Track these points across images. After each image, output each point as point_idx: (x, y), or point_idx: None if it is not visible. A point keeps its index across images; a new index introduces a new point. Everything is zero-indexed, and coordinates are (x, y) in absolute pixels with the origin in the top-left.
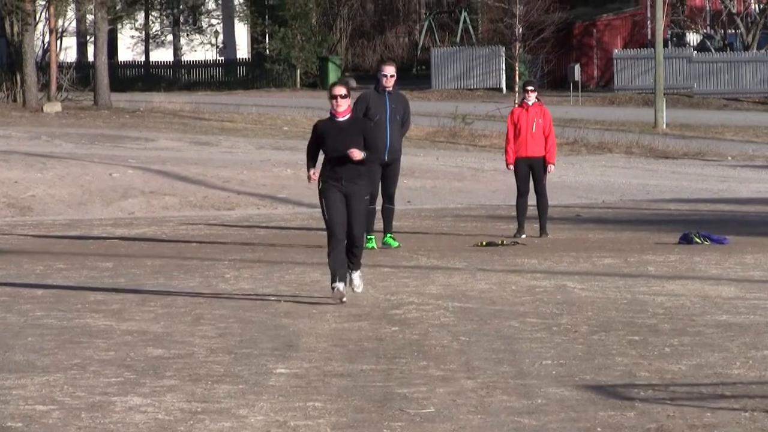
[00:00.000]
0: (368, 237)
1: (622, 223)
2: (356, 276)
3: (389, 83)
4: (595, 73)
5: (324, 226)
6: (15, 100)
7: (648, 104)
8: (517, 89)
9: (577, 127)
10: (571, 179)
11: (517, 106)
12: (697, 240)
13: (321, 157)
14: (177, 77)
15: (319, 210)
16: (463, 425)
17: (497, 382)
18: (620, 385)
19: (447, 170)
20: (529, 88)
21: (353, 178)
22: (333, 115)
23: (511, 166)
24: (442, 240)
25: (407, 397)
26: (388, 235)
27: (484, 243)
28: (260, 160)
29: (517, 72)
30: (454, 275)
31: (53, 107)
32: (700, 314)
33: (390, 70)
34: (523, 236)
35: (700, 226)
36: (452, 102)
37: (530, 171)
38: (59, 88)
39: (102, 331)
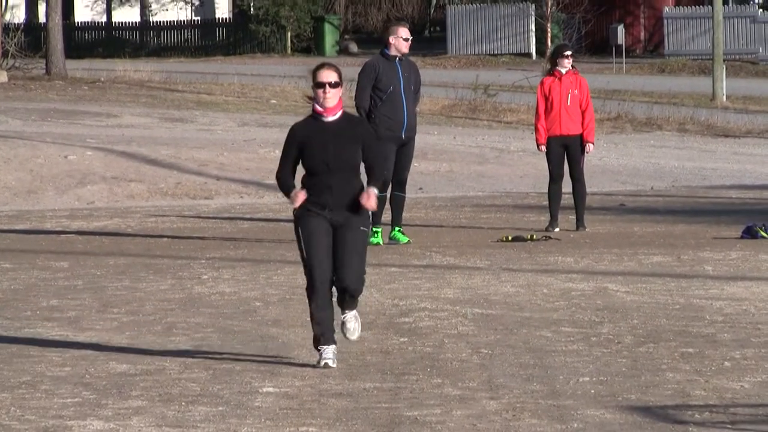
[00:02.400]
0: (374, 230)
1: (674, 214)
2: (350, 317)
3: (407, 48)
4: (642, 35)
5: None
6: None
7: (704, 72)
8: (548, 55)
9: (621, 100)
10: (613, 162)
11: (548, 75)
12: (763, 234)
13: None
14: (145, 41)
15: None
16: None
17: (525, 403)
18: (671, 407)
19: (466, 151)
20: (566, 53)
21: (344, 205)
22: (317, 113)
23: (543, 147)
24: (460, 234)
25: (418, 420)
26: (397, 228)
27: (509, 238)
28: (243, 140)
29: (549, 34)
30: (474, 276)
31: None
32: (766, 322)
33: (406, 32)
34: (557, 230)
35: (766, 218)
36: (472, 70)
37: (565, 152)
38: (4, 54)
39: (56, 343)
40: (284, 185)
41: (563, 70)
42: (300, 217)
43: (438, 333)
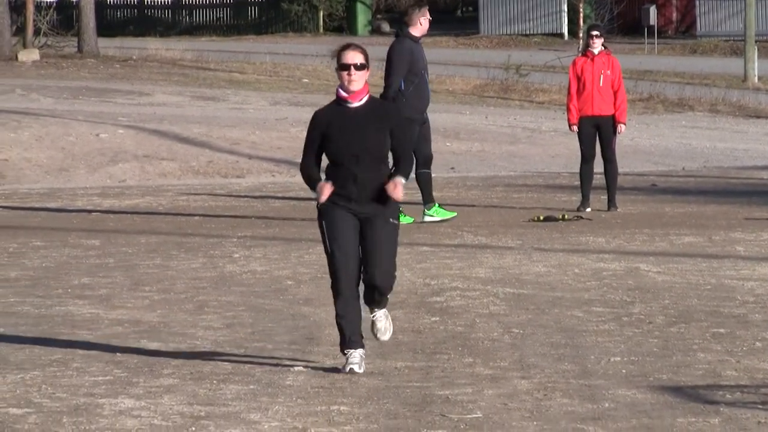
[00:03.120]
0: (434, 207)
1: (706, 194)
2: (381, 316)
3: (427, 30)
4: (674, 16)
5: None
6: None
7: (736, 53)
8: (581, 35)
9: (653, 81)
10: (645, 142)
11: (580, 55)
12: None
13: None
14: (177, 20)
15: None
16: None
17: (556, 383)
18: (702, 387)
19: (497, 131)
20: (595, 33)
21: (372, 195)
22: (341, 98)
23: (575, 127)
24: (492, 214)
25: (450, 399)
26: (437, 205)
27: (541, 218)
28: (275, 119)
29: (581, 14)
30: (505, 256)
31: (29, 55)
32: None
33: (421, 17)
34: (588, 210)
35: None
36: (504, 50)
37: (597, 132)
38: (37, 32)
39: (87, 321)
40: (309, 178)
41: (595, 51)
42: (324, 210)
43: (469, 312)
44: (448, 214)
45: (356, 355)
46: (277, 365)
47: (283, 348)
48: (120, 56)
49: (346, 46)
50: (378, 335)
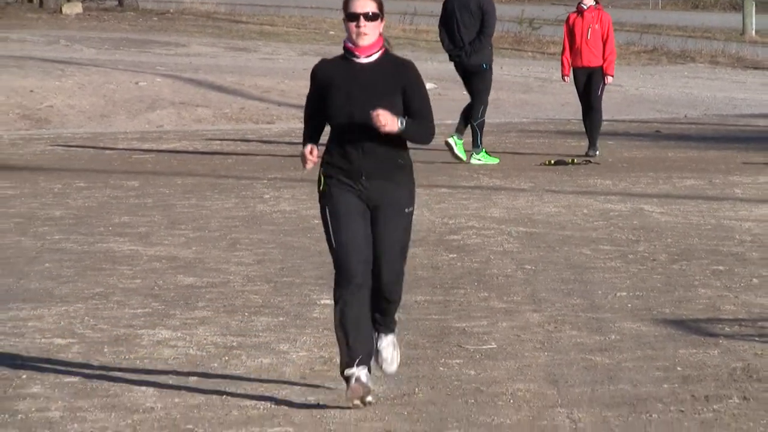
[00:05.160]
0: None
1: (707, 140)
2: (388, 343)
3: None
4: None
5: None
6: (30, 1)
7: (735, 8)
8: None
9: (657, 34)
10: (649, 92)
11: (573, 11)
12: None
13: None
14: None
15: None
16: (528, 363)
17: (566, 316)
18: (703, 320)
19: (511, 80)
20: None
21: (383, 172)
22: (349, 50)
23: (567, 78)
24: (506, 158)
25: (466, 331)
26: (484, 150)
27: (552, 161)
28: (303, 68)
29: None
30: (518, 197)
31: (73, 8)
32: None
33: None
34: (597, 152)
35: None
36: (518, 4)
37: (588, 81)
38: None
39: (127, 257)
40: (304, 134)
41: (585, 6)
42: (326, 193)
43: (485, 250)
44: (492, 160)
45: (361, 375)
46: (305, 299)
47: (311, 283)
48: (158, 9)
49: None
50: (383, 366)
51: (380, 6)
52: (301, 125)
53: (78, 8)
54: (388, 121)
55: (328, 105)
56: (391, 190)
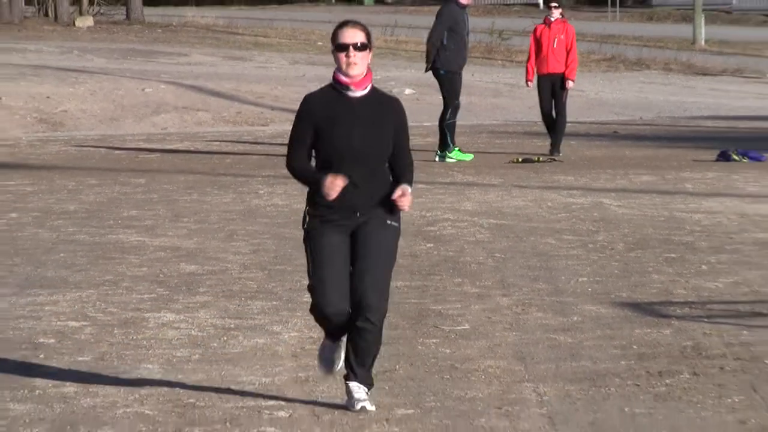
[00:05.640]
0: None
1: (660, 140)
2: (359, 391)
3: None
4: None
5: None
6: (47, 15)
7: (686, 20)
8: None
9: (615, 44)
10: (608, 96)
11: (541, 22)
12: (735, 157)
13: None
14: None
15: None
16: (498, 342)
17: (532, 300)
18: (656, 303)
19: (483, 86)
20: (553, 4)
21: (371, 199)
22: (340, 83)
23: (530, 83)
24: (478, 156)
25: (442, 313)
26: (457, 149)
27: (519, 159)
28: (294, 76)
29: None
30: (489, 192)
31: (85, 21)
32: (737, 232)
33: None
34: (560, 154)
35: (738, 144)
36: (489, 17)
37: (551, 88)
38: (91, 2)
39: (134, 248)
40: (303, 172)
41: (552, 18)
42: (311, 231)
43: (459, 240)
44: (466, 157)
45: (339, 349)
46: (296, 285)
47: (301, 270)
48: (162, 23)
49: (344, 24)
50: (360, 405)
51: (368, 36)
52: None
53: (89, 21)
54: (408, 203)
55: (323, 140)
56: (376, 218)
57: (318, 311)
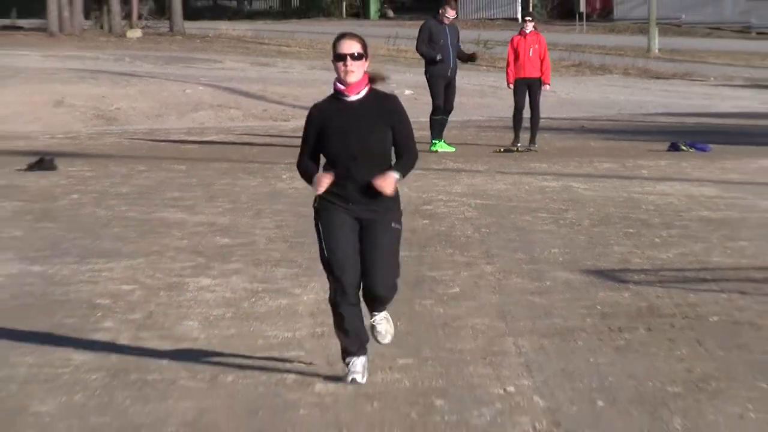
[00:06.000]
0: (434, 142)
1: (620, 133)
2: (381, 319)
3: (450, 15)
4: (597, 5)
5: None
6: (102, 28)
7: (643, 32)
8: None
9: (582, 52)
10: (576, 96)
11: (517, 34)
12: (684, 148)
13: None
14: (240, 8)
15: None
16: (483, 303)
17: (512, 267)
18: (617, 270)
19: (471, 88)
20: (527, 19)
21: (373, 198)
22: (339, 92)
23: (511, 85)
24: (467, 147)
25: (436, 279)
26: (442, 140)
27: (502, 150)
28: (312, 79)
29: (530, 3)
30: (476, 177)
31: (135, 33)
32: (685, 210)
33: (453, 13)
34: (519, 144)
35: (686, 136)
36: (476, 30)
37: (527, 89)
38: (139, 17)
39: (177, 223)
40: (305, 173)
41: (527, 31)
42: (321, 210)
43: (450, 217)
44: (449, 149)
45: (358, 364)
46: (312, 255)
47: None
48: (200, 34)
49: (342, 36)
50: (378, 338)
51: (364, 47)
52: None
53: (138, 33)
54: (388, 186)
55: (326, 142)
56: (380, 212)
57: (334, 288)
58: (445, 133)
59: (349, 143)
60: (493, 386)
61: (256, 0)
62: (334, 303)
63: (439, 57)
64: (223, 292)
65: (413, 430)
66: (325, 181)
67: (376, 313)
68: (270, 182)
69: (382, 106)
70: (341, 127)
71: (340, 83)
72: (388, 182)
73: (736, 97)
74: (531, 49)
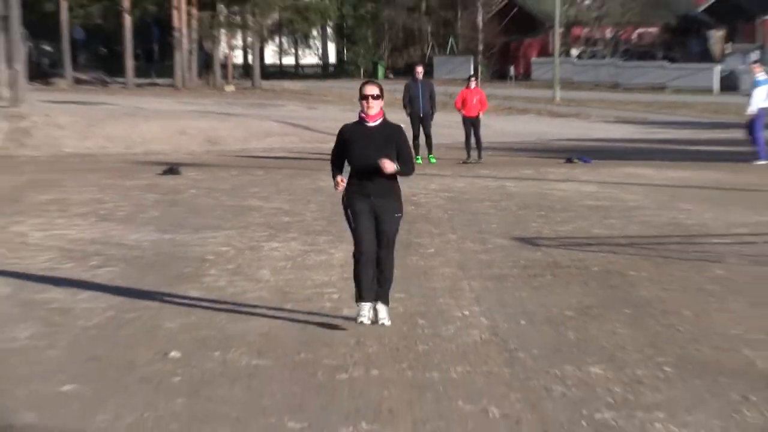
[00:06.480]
0: (418, 158)
1: (536, 151)
2: (383, 310)
3: (419, 76)
4: (522, 70)
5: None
6: (209, 84)
7: (550, 88)
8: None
9: (511, 100)
10: (508, 129)
11: (466, 87)
12: (575, 161)
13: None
14: (297, 71)
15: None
16: (449, 258)
17: (467, 236)
18: (533, 238)
19: (442, 122)
20: (472, 78)
21: (383, 193)
22: (362, 118)
23: (462, 114)
24: (441, 160)
25: (419, 243)
26: (431, 156)
27: (462, 162)
28: (342, 117)
29: (480, 70)
30: (446, 179)
31: (230, 88)
32: (577, 200)
33: (420, 69)
34: (470, 159)
35: (576, 153)
36: (445, 86)
37: (471, 124)
38: (233, 77)
39: (256, 208)
40: (333, 174)
41: (472, 86)
42: (349, 201)
43: (428, 204)
44: (434, 161)
45: (365, 308)
46: (341, 228)
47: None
48: (271, 88)
49: (366, 82)
50: (381, 320)
51: (381, 90)
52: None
53: (232, 88)
54: (389, 166)
55: (349, 153)
56: (388, 204)
57: (357, 251)
58: (423, 151)
59: (368, 156)
60: (455, 311)
61: (307, 67)
62: (356, 259)
63: (408, 110)
64: (285, 251)
65: (405, 338)
66: (340, 185)
67: (381, 305)
68: (315, 182)
69: (391, 132)
70: (362, 144)
71: (363, 114)
72: (388, 163)
73: (608, 130)
74: (474, 98)
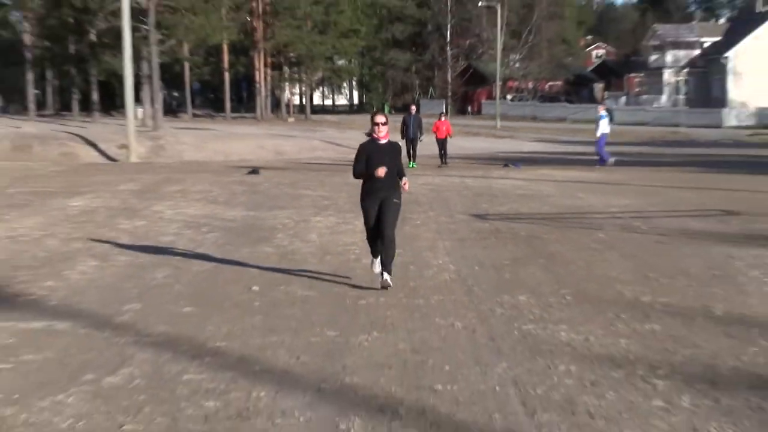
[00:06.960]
0: (411, 164)
1: (485, 159)
2: (387, 276)
3: (412, 112)
4: (476, 108)
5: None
6: (277, 117)
7: (493, 119)
8: (445, 114)
9: (468, 127)
10: (467, 145)
11: (438, 120)
12: (510, 166)
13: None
14: (333, 109)
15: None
16: (429, 228)
17: (441, 213)
18: (483, 215)
19: (425, 142)
20: (441, 113)
21: (388, 188)
22: (374, 138)
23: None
24: (421, 165)
25: (410, 218)
26: (412, 163)
27: (439, 165)
28: (362, 138)
29: (449, 108)
30: (427, 177)
31: (291, 120)
32: (511, 191)
33: (413, 109)
34: (441, 165)
35: (511, 160)
36: (427, 119)
37: (442, 143)
38: (293, 112)
39: (306, 195)
40: (360, 174)
41: (442, 119)
42: (362, 195)
43: (416, 193)
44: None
45: (377, 263)
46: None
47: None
48: (317, 119)
49: (377, 112)
50: (382, 285)
51: (387, 119)
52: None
53: (292, 119)
54: (408, 185)
55: (368, 162)
56: (392, 195)
57: (366, 229)
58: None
59: (379, 164)
60: (433, 260)
61: (340, 106)
62: (368, 239)
63: (402, 135)
64: (326, 222)
65: (401, 279)
66: (381, 173)
67: (385, 273)
68: (345, 179)
69: (393, 148)
70: (377, 156)
71: (375, 135)
72: (408, 184)
73: (530, 146)
74: (444, 127)
